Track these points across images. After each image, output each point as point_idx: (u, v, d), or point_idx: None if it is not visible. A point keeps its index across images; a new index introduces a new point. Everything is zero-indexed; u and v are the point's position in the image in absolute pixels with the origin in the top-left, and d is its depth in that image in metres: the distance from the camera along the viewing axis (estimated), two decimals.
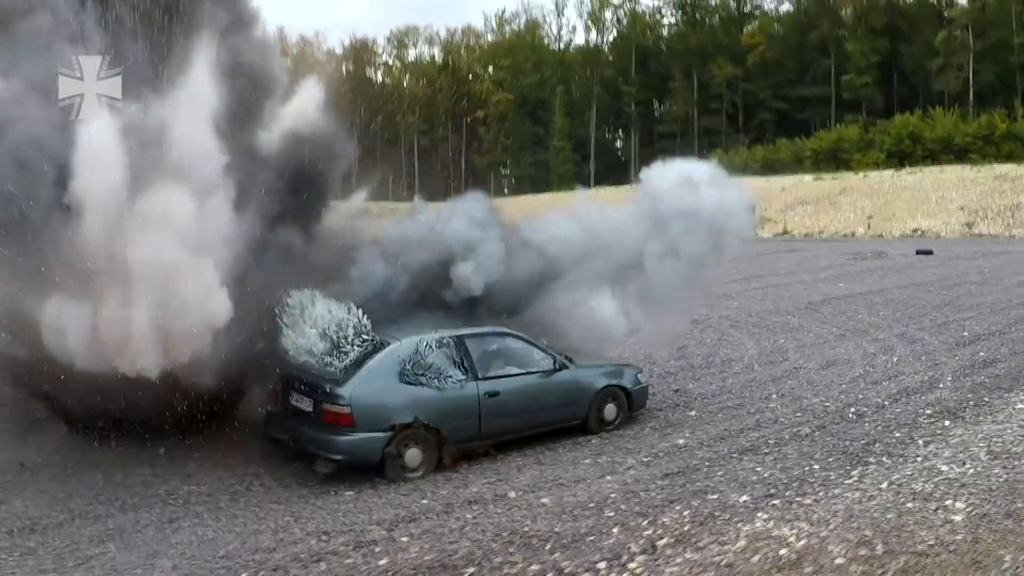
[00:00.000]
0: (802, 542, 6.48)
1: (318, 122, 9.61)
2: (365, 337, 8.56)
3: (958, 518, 6.77)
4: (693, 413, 10.55)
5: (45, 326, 7.71)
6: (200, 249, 7.61)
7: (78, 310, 7.61)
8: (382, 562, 6.41)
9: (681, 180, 10.45)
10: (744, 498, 7.51)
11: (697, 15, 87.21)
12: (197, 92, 7.92)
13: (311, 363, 8.43)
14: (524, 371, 9.29)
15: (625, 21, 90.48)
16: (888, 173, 53.25)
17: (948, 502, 7.11)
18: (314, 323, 8.45)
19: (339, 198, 10.54)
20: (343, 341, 8.47)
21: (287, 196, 9.10)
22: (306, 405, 8.43)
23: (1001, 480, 7.59)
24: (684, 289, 10.49)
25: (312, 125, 9.53)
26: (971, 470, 7.90)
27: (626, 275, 10.32)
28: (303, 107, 9.64)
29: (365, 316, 8.63)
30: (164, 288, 7.38)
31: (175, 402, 8.52)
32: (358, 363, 8.46)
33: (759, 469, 8.32)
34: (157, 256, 7.31)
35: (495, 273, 9.77)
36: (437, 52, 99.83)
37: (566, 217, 10.74)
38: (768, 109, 79.90)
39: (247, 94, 8.90)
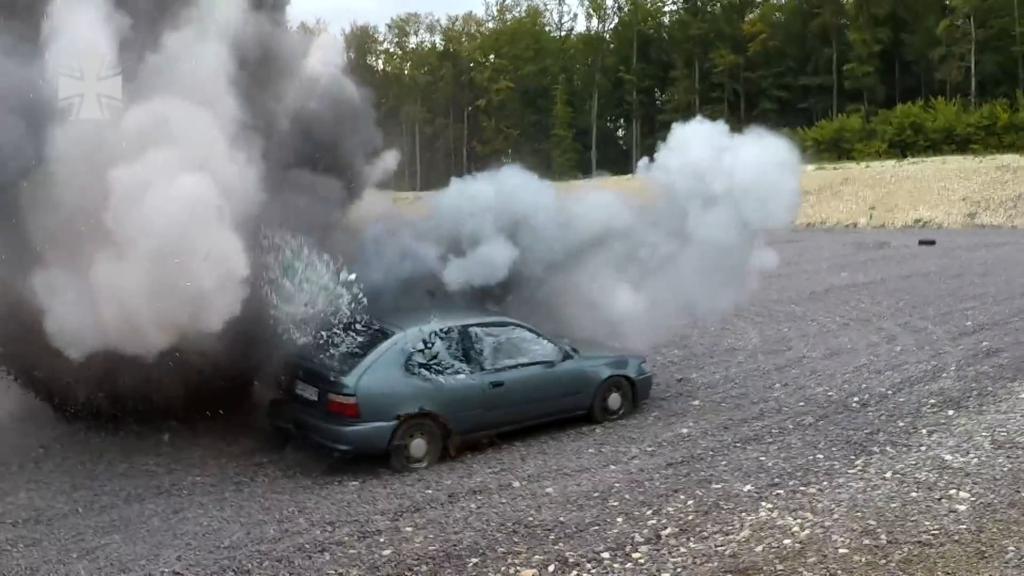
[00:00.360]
0: (806, 532, 6.49)
1: (338, 78, 9.50)
2: (359, 319, 8.52)
3: (962, 508, 6.77)
4: (697, 402, 10.55)
5: (40, 305, 7.23)
6: (217, 201, 7.02)
7: (74, 284, 7.08)
8: (386, 552, 6.43)
9: (686, 164, 10.19)
10: (748, 487, 7.52)
11: (699, 2, 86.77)
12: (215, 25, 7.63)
13: (297, 335, 8.24)
14: (529, 361, 9.27)
15: (626, 8, 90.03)
16: (890, 163, 52.95)
17: (952, 492, 7.11)
18: (299, 286, 8.21)
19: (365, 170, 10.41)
20: (333, 318, 8.38)
21: (309, 156, 8.94)
22: (311, 394, 8.42)
23: (1005, 469, 7.58)
24: (703, 279, 10.14)
25: (332, 80, 9.40)
26: (975, 460, 7.89)
27: (631, 264, 10.21)
28: (323, 58, 9.50)
29: (360, 291, 8.50)
30: (170, 248, 6.77)
31: (184, 388, 8.41)
32: (361, 352, 8.46)
33: (763, 458, 8.32)
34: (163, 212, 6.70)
35: (485, 277, 9.73)
36: (438, 40, 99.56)
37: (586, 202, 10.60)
38: (770, 98, 79.48)
39: (266, 55, 8.63)
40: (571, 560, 6.22)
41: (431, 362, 8.61)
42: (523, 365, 9.19)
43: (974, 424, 9.04)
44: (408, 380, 8.43)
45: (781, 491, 7.41)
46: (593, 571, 6.07)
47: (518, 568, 6.15)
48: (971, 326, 14.46)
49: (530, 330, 9.41)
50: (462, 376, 8.72)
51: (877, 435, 8.89)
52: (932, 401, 10.05)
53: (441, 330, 8.81)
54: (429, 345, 8.64)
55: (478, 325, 9.12)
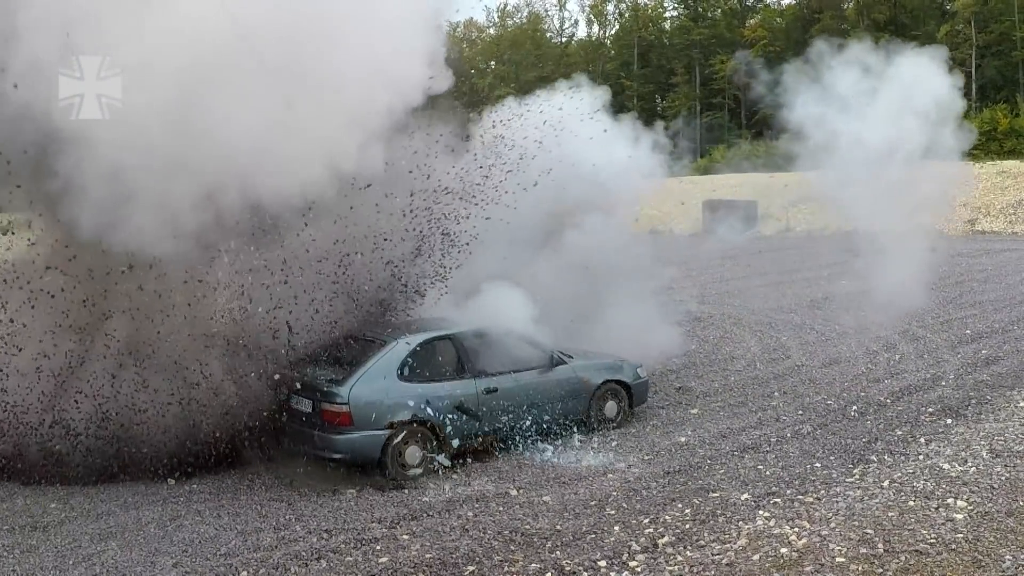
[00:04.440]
0: (803, 540, 6.48)
1: None
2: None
3: (959, 516, 6.77)
4: (695, 411, 10.54)
5: None
6: None
7: None
8: (383, 560, 6.43)
9: None
10: (745, 496, 7.51)
11: (699, 8, 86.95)
12: None
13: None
14: (521, 367, 9.26)
15: (627, 15, 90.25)
16: None
17: (949, 500, 7.10)
18: None
19: None
20: None
21: None
22: (305, 406, 8.42)
23: (1003, 479, 7.58)
24: None
25: None
26: (973, 468, 7.89)
27: None
28: None
29: None
30: None
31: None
32: (354, 362, 8.50)
33: (760, 467, 8.32)
34: None
35: None
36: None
37: None
38: (771, 104, 79.76)
39: None
40: (568, 569, 6.22)
41: (423, 370, 8.61)
42: (516, 371, 9.18)
43: (972, 433, 9.03)
44: (402, 388, 8.43)
45: (778, 500, 7.40)
46: None
47: None
48: (970, 334, 14.45)
49: (522, 336, 9.38)
50: (455, 383, 8.72)
51: (875, 444, 8.88)
52: (930, 410, 10.04)
53: (433, 338, 8.84)
54: (421, 353, 8.65)
55: (470, 332, 9.12)
